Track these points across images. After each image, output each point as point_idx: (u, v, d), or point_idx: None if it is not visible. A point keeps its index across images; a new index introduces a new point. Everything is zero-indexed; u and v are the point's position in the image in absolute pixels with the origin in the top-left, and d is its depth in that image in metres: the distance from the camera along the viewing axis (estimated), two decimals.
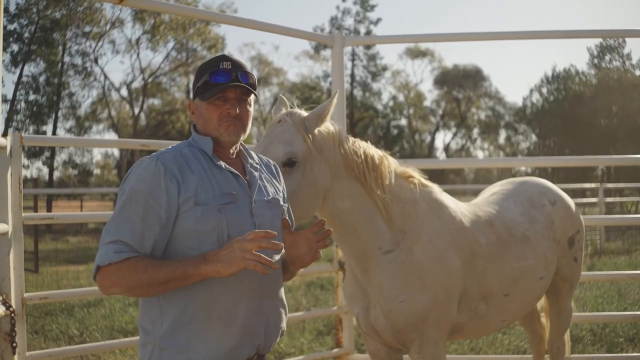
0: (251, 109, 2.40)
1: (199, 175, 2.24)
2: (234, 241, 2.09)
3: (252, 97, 2.39)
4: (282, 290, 2.46)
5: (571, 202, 4.14)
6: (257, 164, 2.48)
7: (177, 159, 2.24)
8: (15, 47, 31.85)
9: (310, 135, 2.98)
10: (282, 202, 2.49)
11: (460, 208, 3.53)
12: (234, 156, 2.42)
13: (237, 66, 2.32)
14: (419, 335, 3.22)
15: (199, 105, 2.35)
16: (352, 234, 3.20)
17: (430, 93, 57.46)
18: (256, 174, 2.42)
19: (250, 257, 2.03)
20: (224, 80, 2.28)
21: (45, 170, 36.15)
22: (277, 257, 2.36)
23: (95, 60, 33.85)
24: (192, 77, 35.86)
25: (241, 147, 2.46)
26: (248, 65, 2.40)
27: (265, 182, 2.46)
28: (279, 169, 2.64)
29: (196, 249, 2.19)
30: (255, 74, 2.43)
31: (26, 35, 31.83)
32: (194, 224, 2.18)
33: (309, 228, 2.38)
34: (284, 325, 2.43)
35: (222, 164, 2.32)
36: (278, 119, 3.06)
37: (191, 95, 2.45)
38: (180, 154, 2.28)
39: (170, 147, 2.37)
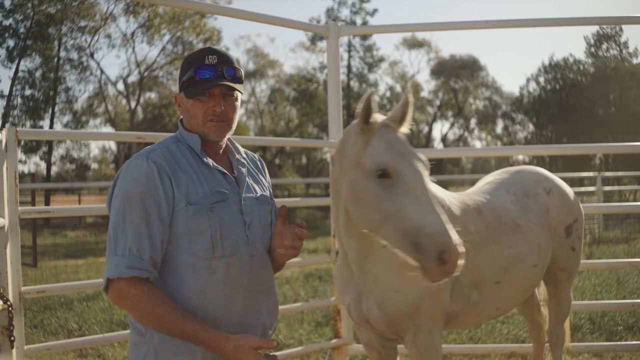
0: (238, 103, 2.36)
1: (188, 173, 2.20)
2: (247, 345, 2.08)
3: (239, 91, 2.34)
4: (275, 287, 2.45)
5: (569, 190, 4.12)
6: (243, 159, 2.46)
7: (166, 156, 2.20)
8: (11, 43, 31.82)
9: None
10: (270, 199, 2.47)
11: (449, 197, 3.53)
12: (221, 151, 2.39)
13: (223, 61, 2.27)
14: (413, 325, 3.22)
15: (185, 100, 2.30)
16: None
17: (427, 83, 57.21)
18: (244, 170, 2.39)
19: None
20: (209, 76, 2.23)
21: (43, 165, 36.08)
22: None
23: (91, 55, 33.75)
24: None
25: (228, 142, 2.43)
26: (237, 57, 2.35)
27: (252, 178, 2.44)
28: (264, 164, 2.61)
29: (189, 248, 2.16)
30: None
31: (22, 30, 31.72)
32: (185, 223, 2.16)
33: (298, 224, 2.34)
34: (275, 322, 2.42)
35: (210, 162, 2.28)
36: (391, 127, 2.84)
37: (177, 88, 2.41)
38: (168, 151, 2.24)
39: (156, 143, 2.32)
